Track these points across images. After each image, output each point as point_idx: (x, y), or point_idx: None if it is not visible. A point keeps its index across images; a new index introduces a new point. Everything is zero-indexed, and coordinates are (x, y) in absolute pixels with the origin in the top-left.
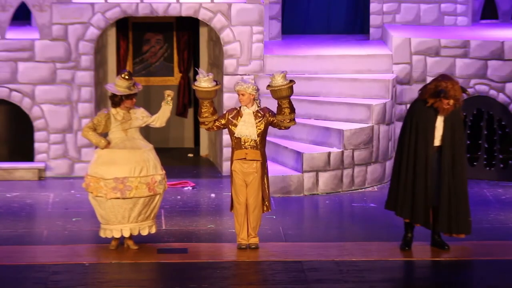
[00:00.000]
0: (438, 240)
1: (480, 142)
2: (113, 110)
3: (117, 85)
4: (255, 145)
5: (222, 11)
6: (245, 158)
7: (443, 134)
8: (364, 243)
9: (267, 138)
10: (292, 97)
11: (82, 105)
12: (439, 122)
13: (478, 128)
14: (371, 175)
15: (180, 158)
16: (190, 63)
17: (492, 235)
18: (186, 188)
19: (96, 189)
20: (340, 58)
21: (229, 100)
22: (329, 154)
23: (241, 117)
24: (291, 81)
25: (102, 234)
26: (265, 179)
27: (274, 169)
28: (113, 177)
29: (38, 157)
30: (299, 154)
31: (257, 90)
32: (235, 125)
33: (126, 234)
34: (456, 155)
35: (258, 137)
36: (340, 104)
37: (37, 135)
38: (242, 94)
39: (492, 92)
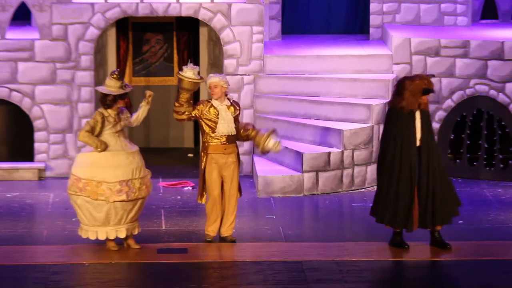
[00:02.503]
0: (439, 239)
1: (480, 142)
2: (105, 112)
3: (108, 85)
4: (232, 139)
5: (222, 11)
6: (223, 153)
7: (422, 135)
8: (364, 243)
9: None
10: (292, 96)
11: (82, 105)
12: (418, 123)
13: (478, 128)
14: (371, 175)
15: (180, 158)
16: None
17: (492, 235)
18: (186, 188)
19: (96, 193)
20: (340, 58)
21: None
22: (329, 154)
23: (216, 112)
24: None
25: (92, 235)
26: (238, 168)
27: (274, 169)
28: (118, 180)
29: (38, 157)
30: (299, 154)
31: (228, 84)
32: (212, 121)
33: (122, 235)
34: (433, 154)
35: (235, 131)
36: (340, 104)
37: (37, 135)
38: (215, 87)
39: (492, 92)
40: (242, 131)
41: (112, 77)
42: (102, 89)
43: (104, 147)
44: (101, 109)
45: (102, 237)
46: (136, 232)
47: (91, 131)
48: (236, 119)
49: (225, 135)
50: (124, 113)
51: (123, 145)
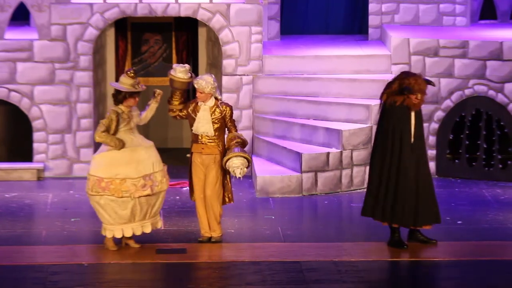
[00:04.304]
0: (421, 237)
1: (479, 142)
2: (118, 110)
3: (122, 82)
4: (211, 140)
5: (221, 11)
6: (201, 153)
7: (416, 130)
8: (363, 243)
9: (266, 138)
10: (290, 97)
11: (81, 105)
12: (412, 119)
13: (477, 129)
14: None
15: (179, 158)
16: (189, 63)
17: (491, 236)
18: (184, 188)
19: (120, 190)
20: (338, 59)
21: (228, 100)
22: (328, 154)
23: (198, 112)
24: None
25: (118, 234)
26: (220, 172)
27: (273, 169)
28: (142, 175)
29: (37, 157)
30: (298, 154)
31: (216, 86)
32: (192, 118)
33: (148, 230)
34: (421, 149)
35: (216, 132)
36: (339, 104)
37: (36, 135)
38: (200, 92)
39: (491, 93)
40: (227, 140)
41: (127, 75)
42: (115, 84)
43: (122, 145)
44: (114, 107)
45: (128, 234)
46: (159, 226)
47: (107, 130)
48: (220, 122)
49: (202, 134)
50: (134, 110)
51: (140, 140)
